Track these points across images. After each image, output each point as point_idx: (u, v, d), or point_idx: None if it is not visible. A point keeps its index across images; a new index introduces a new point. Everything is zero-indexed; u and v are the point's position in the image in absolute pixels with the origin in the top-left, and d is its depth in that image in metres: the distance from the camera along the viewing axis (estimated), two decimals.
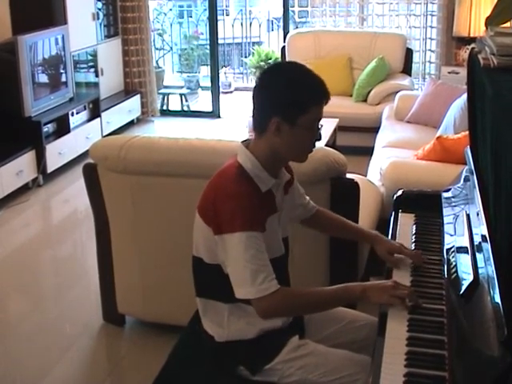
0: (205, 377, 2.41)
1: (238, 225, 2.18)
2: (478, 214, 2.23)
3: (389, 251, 2.58)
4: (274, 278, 2.20)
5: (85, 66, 7.91)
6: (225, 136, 3.57)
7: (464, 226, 2.35)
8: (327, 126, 6.16)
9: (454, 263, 2.24)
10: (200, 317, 2.47)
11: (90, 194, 3.66)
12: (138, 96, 8.48)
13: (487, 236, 2.02)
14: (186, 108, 9.54)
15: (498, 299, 1.70)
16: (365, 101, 7.25)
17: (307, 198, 2.68)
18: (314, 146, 2.34)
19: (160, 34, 10.76)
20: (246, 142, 2.37)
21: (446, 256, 2.38)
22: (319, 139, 2.33)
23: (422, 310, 2.20)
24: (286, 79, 2.26)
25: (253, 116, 2.33)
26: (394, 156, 4.86)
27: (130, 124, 8.38)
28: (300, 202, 2.64)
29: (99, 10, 7.88)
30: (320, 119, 2.30)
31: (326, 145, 5.27)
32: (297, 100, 2.23)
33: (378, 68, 7.30)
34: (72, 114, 6.87)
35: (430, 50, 8.03)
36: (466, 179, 2.75)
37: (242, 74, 11.56)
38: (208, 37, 9.21)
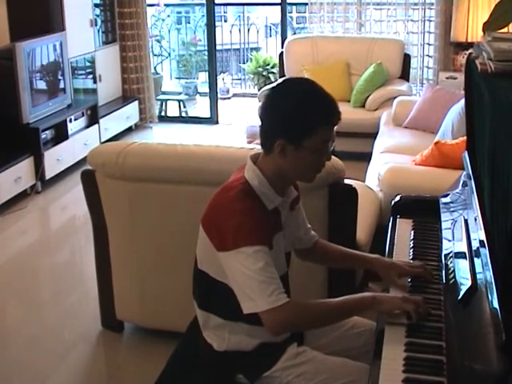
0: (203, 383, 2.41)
1: (243, 240, 2.13)
2: (475, 219, 2.23)
3: (395, 276, 2.46)
4: (284, 291, 2.16)
5: (83, 72, 7.91)
6: (223, 142, 3.58)
7: (462, 231, 2.35)
8: None
9: (452, 268, 2.24)
10: (199, 324, 2.45)
11: (88, 200, 3.66)
12: (136, 102, 8.48)
13: (485, 241, 2.01)
14: (184, 114, 9.54)
15: (496, 304, 1.69)
16: (363, 106, 7.25)
17: (309, 225, 2.61)
18: (324, 166, 2.29)
19: (158, 41, 10.75)
20: (254, 157, 2.31)
21: (444, 261, 2.38)
22: (329, 159, 2.27)
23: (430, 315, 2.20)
24: (292, 101, 2.19)
25: (260, 134, 2.28)
26: (392, 161, 4.86)
27: (129, 130, 8.38)
28: (302, 222, 2.57)
29: (97, 16, 7.88)
30: (329, 140, 2.24)
31: None
32: (302, 123, 2.17)
33: (375, 73, 7.31)
34: (70, 121, 6.87)
35: (427, 55, 8.04)
36: (464, 184, 2.75)
37: (240, 79, 11.56)
38: (206, 43, 9.24)
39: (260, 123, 2.27)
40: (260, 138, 2.28)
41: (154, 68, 10.07)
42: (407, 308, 2.17)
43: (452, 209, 2.73)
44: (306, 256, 2.67)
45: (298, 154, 2.19)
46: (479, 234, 2.11)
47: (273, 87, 2.33)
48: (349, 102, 7.37)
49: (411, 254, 2.66)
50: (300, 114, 2.18)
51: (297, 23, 11.70)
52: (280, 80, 2.53)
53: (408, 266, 2.49)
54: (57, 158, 6.51)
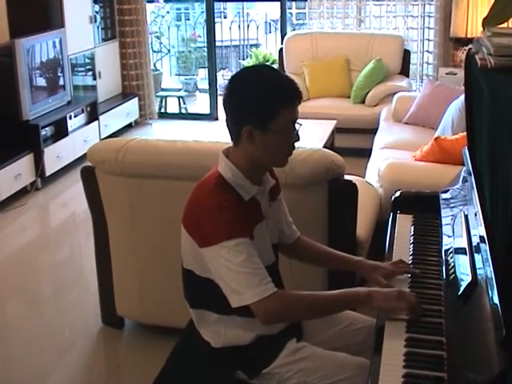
0: (203, 380, 2.41)
1: (223, 234, 2.15)
2: (475, 215, 2.23)
3: (380, 277, 2.46)
4: (271, 281, 2.17)
5: (82, 69, 7.91)
6: (223, 138, 3.56)
7: (462, 226, 2.35)
8: (325, 128, 6.17)
9: (452, 264, 2.24)
10: None
11: (88, 197, 3.66)
12: (136, 99, 8.48)
13: (485, 237, 2.01)
14: (183, 110, 9.55)
15: (496, 300, 1.69)
16: (363, 102, 7.25)
17: (290, 219, 2.61)
18: (294, 148, 2.30)
19: (158, 37, 10.76)
20: (226, 150, 2.34)
21: (444, 257, 2.38)
22: (297, 140, 2.28)
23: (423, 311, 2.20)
24: (251, 86, 2.22)
25: (227, 125, 2.30)
26: (392, 157, 4.86)
27: (128, 127, 8.38)
28: (284, 215, 2.57)
29: (96, 13, 7.88)
30: (294, 120, 2.25)
31: (324, 146, 5.27)
32: (264, 106, 2.19)
33: (375, 69, 7.31)
34: (70, 117, 6.86)
35: (427, 51, 8.03)
36: (464, 180, 2.75)
37: None
38: (205, 39, 9.23)
39: (225, 115, 2.29)
40: (228, 130, 2.30)
41: (154, 65, 10.07)
42: (401, 306, 2.18)
43: (452, 204, 2.73)
44: (289, 253, 2.66)
45: (266, 137, 2.21)
46: (479, 230, 2.11)
47: (231, 78, 2.33)
48: (349, 97, 7.37)
49: (411, 249, 2.66)
50: (261, 97, 2.20)
51: (296, 19, 11.68)
52: (237, 70, 2.60)
53: (391, 266, 2.50)
54: (57, 155, 6.51)
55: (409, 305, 2.17)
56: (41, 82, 6.66)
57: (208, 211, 2.20)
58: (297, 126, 2.27)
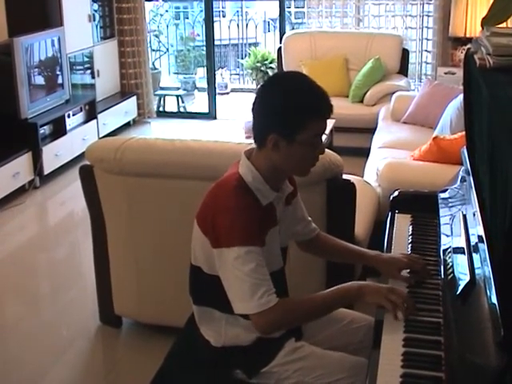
0: (201, 379, 2.40)
1: (236, 239, 2.13)
2: (474, 215, 2.23)
3: (396, 270, 2.46)
4: (274, 291, 2.16)
5: (81, 67, 7.90)
6: (221, 137, 3.57)
7: (460, 226, 2.35)
8: None
9: (450, 264, 2.24)
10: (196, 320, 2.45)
11: (86, 195, 3.66)
12: (135, 97, 8.48)
13: (483, 236, 2.01)
14: (182, 109, 9.54)
15: (494, 300, 1.69)
16: (361, 101, 7.25)
17: (309, 218, 2.62)
18: (317, 160, 2.28)
19: (156, 36, 10.75)
20: (248, 152, 2.31)
21: (442, 256, 2.38)
22: (322, 152, 2.27)
23: (418, 310, 2.19)
24: (283, 95, 2.19)
25: (253, 128, 2.27)
26: (391, 157, 4.86)
27: (127, 125, 8.37)
28: (301, 217, 2.57)
29: (95, 11, 7.87)
30: (322, 133, 2.24)
31: None
32: (293, 117, 2.17)
33: (374, 69, 7.31)
34: (68, 116, 6.86)
35: (426, 50, 8.03)
36: (463, 180, 2.75)
37: (238, 75, 11.57)
38: (204, 38, 9.23)
39: (252, 118, 2.27)
40: (253, 133, 2.28)
41: (153, 63, 10.06)
42: (386, 305, 2.18)
43: (450, 204, 2.73)
44: (307, 248, 2.69)
45: (291, 148, 2.19)
46: (478, 230, 2.11)
47: (264, 82, 2.32)
48: (347, 97, 7.37)
49: (409, 249, 2.66)
50: (291, 108, 2.17)
51: (295, 18, 11.68)
52: (271, 74, 2.55)
53: (407, 258, 2.50)
54: (55, 154, 6.51)
55: (399, 299, 2.18)
56: (39, 80, 6.66)
57: (225, 213, 2.18)
58: (323, 137, 2.26)
